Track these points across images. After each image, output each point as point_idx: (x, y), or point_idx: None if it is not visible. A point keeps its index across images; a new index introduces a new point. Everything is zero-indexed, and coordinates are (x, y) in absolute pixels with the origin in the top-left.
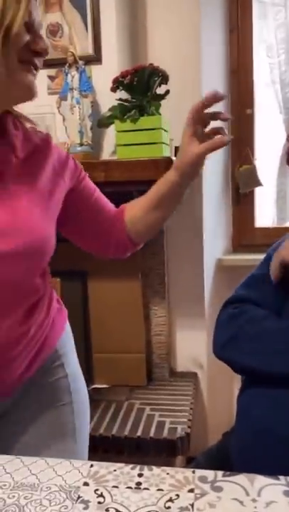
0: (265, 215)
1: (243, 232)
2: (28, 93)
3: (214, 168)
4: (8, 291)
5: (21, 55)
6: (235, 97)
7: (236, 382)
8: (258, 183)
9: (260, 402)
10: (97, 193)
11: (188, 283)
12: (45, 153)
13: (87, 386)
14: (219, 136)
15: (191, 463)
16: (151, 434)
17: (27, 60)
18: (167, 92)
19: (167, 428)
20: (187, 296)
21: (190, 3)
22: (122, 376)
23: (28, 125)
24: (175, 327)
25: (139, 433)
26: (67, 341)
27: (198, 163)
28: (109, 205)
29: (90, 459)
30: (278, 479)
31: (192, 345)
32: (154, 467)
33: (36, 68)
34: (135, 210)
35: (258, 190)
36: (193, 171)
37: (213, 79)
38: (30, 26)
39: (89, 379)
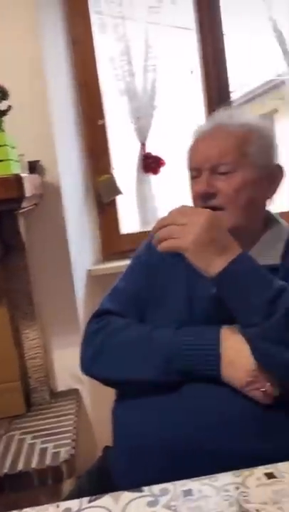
0: (129, 221)
1: (110, 240)
2: None
3: (73, 181)
4: None
5: None
6: (85, 108)
7: None
8: (118, 192)
9: (133, 414)
10: None
11: (59, 299)
12: None
13: None
14: None
15: None
16: (34, 465)
17: None
18: (9, 107)
19: (50, 454)
20: (59, 313)
21: (28, 17)
22: None
23: None
24: (51, 347)
25: (20, 467)
26: None
27: None
28: None
29: None
30: (142, 491)
31: (71, 362)
32: (15, 511)
33: None
34: None
35: (120, 198)
36: None
37: (61, 91)
38: None
39: None
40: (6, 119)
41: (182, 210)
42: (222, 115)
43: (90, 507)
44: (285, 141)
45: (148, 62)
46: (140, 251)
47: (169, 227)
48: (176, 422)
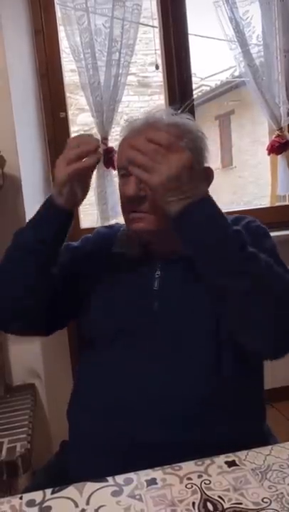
0: (90, 216)
1: (71, 234)
2: None
3: (33, 173)
4: None
5: None
6: (47, 100)
7: None
8: None
9: (82, 409)
10: None
11: None
12: None
13: None
14: None
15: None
16: None
17: None
18: None
19: (6, 449)
20: None
21: None
22: None
23: None
24: (7, 341)
25: None
26: None
27: None
28: None
29: None
30: (107, 481)
31: (27, 357)
32: None
33: None
34: None
35: None
36: None
37: (23, 82)
38: None
39: None
40: None
41: (164, 147)
42: (153, 114)
43: (54, 498)
44: (241, 141)
45: (112, 56)
46: (92, 237)
47: (147, 159)
48: (126, 417)
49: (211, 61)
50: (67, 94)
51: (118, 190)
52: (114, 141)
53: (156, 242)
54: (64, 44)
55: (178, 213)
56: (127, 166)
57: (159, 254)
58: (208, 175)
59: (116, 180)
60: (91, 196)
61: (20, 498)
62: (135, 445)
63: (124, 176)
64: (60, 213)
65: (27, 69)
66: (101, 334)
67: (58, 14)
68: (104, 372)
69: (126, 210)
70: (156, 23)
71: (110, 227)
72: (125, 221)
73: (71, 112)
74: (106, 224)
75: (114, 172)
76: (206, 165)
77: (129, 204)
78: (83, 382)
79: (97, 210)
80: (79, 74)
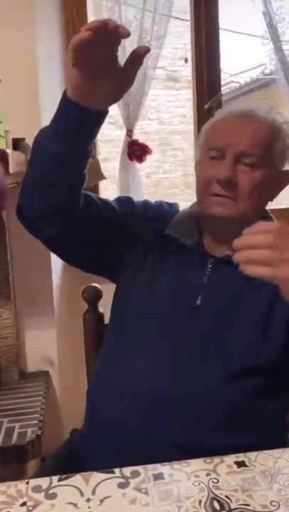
0: None
1: None
2: None
3: None
4: None
5: None
6: None
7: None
8: (102, 177)
9: (107, 398)
10: None
11: (36, 281)
12: None
13: None
14: None
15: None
16: None
17: None
18: None
19: (17, 433)
20: (35, 294)
21: None
22: None
23: None
24: (23, 327)
25: None
26: None
27: None
28: None
29: None
30: (113, 472)
31: (42, 344)
32: None
33: None
34: None
35: (102, 183)
36: None
37: (52, 71)
38: None
39: None
40: None
41: (271, 230)
42: (252, 103)
43: (60, 485)
44: None
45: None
46: (154, 207)
47: (262, 251)
48: (153, 410)
49: (241, 58)
50: None
51: (136, 183)
52: (139, 134)
53: (221, 231)
54: None
55: None
56: (224, 149)
57: (212, 250)
58: (283, 178)
59: (140, 173)
60: (113, 189)
61: (27, 483)
62: (152, 440)
63: (214, 158)
64: (71, 107)
65: (56, 60)
66: (136, 319)
67: (89, 5)
68: (132, 359)
69: (207, 193)
70: (187, 16)
71: (171, 206)
72: (202, 204)
73: None
74: None
75: (138, 165)
76: (285, 167)
77: (214, 186)
78: (109, 367)
79: None
80: None
